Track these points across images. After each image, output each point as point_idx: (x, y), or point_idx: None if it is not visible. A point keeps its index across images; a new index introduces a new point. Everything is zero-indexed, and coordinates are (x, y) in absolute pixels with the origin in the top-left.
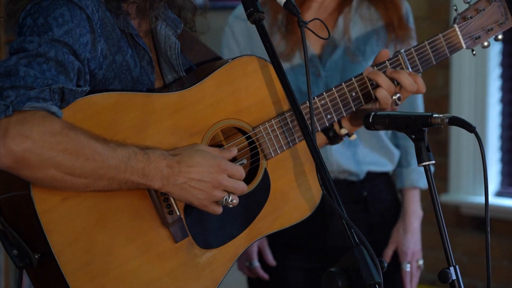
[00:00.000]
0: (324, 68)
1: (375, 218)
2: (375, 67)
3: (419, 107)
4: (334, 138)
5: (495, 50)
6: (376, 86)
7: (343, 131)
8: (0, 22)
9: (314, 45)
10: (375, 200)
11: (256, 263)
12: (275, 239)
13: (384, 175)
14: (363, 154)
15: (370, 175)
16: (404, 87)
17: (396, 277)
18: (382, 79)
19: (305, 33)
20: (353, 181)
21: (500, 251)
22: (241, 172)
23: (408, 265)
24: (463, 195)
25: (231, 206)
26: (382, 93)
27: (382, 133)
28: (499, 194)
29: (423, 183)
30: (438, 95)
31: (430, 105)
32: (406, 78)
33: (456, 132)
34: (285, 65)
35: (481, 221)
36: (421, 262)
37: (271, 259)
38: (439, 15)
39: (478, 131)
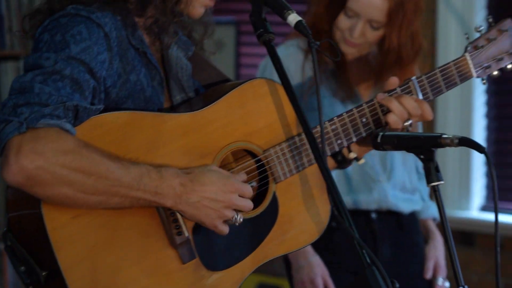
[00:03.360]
0: None
1: (414, 248)
2: (386, 94)
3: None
4: (342, 162)
5: None
6: (387, 112)
7: (352, 155)
8: (15, 36)
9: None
10: (414, 231)
11: None
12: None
13: (414, 213)
14: (409, 192)
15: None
16: (408, 111)
17: None
18: (394, 105)
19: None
20: (397, 212)
21: (485, 265)
22: (250, 190)
23: (442, 280)
24: (448, 209)
25: (237, 224)
26: (392, 118)
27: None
28: (484, 208)
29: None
30: None
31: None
32: (409, 102)
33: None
34: (339, 104)
35: (466, 235)
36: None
37: None
38: (426, 32)
39: (463, 147)
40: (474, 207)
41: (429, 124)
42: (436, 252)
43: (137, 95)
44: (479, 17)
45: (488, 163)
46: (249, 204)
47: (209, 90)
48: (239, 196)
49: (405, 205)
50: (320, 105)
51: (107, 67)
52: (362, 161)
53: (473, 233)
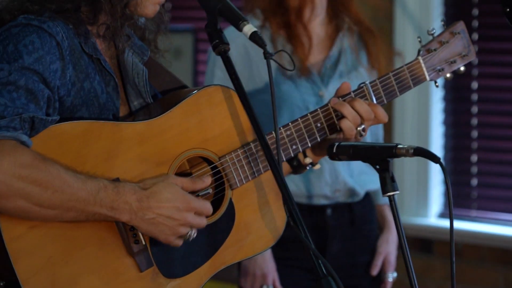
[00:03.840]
0: (327, 88)
1: (362, 240)
2: (340, 99)
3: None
4: (298, 167)
5: None
6: (341, 117)
7: (308, 160)
8: None
9: (315, 65)
10: (365, 222)
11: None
12: (279, 261)
13: (368, 194)
14: (358, 172)
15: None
16: (360, 115)
17: None
18: (348, 110)
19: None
20: (350, 203)
21: (444, 272)
22: (208, 208)
23: (392, 275)
24: (407, 216)
25: (190, 240)
26: (346, 124)
27: None
28: (442, 215)
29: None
30: None
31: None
32: (361, 106)
33: None
34: (290, 84)
35: (424, 242)
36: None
37: (278, 285)
38: (383, 38)
39: None
40: (432, 214)
41: (387, 132)
42: (388, 247)
43: (91, 102)
44: (436, 22)
45: (444, 173)
46: (203, 221)
47: (166, 96)
48: (196, 214)
49: (359, 185)
50: (275, 113)
51: (60, 76)
52: (317, 166)
53: (431, 240)
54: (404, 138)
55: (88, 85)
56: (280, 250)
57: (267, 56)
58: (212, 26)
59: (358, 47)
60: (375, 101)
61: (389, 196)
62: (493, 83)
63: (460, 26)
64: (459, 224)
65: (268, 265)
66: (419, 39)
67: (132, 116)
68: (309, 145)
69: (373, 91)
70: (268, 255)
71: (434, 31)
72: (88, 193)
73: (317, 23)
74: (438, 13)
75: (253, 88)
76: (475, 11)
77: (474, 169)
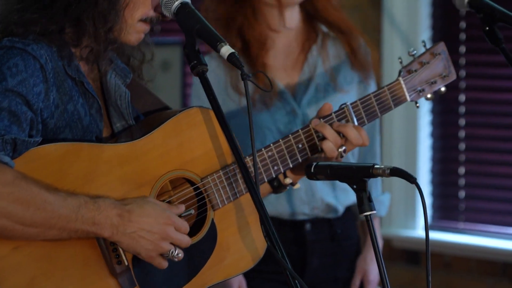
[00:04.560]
0: (300, 106)
1: (342, 255)
2: (321, 119)
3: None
4: (278, 187)
5: None
6: (323, 138)
7: (288, 180)
8: None
9: (287, 85)
10: (346, 237)
11: None
12: (254, 274)
13: (349, 209)
14: (340, 188)
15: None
16: (349, 141)
17: None
18: (329, 132)
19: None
20: (330, 218)
21: (432, 284)
22: (186, 226)
23: None
24: (395, 228)
25: (176, 260)
26: (328, 146)
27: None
28: (430, 227)
29: (384, 212)
30: None
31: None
32: (351, 131)
33: None
34: (262, 109)
35: (412, 254)
36: None
37: None
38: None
39: (409, 165)
40: (420, 226)
41: None
42: (365, 265)
43: (75, 124)
44: (424, 37)
45: (420, 193)
46: (185, 239)
47: (148, 118)
48: (175, 230)
49: (338, 201)
50: (252, 136)
51: (43, 98)
52: (297, 186)
53: (418, 252)
54: (392, 150)
55: (71, 107)
56: (259, 263)
57: (244, 77)
58: (190, 47)
59: (339, 55)
60: (356, 122)
61: (366, 216)
62: (480, 96)
63: (441, 47)
64: (447, 236)
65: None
66: (399, 60)
67: (115, 138)
68: (291, 166)
69: (354, 112)
70: None
71: (415, 52)
72: (69, 209)
73: (284, 44)
74: (426, 26)
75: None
76: (463, 24)
77: (462, 181)
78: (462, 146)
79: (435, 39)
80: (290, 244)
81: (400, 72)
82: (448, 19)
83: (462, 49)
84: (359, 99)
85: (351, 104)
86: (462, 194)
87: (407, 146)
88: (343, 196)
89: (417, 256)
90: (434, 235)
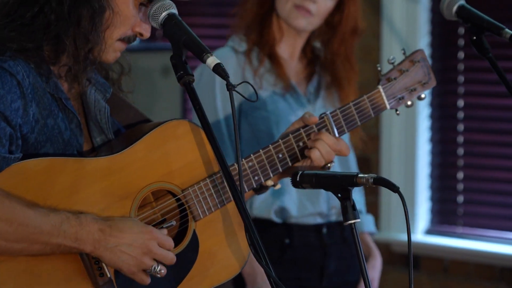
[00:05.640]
0: (314, 108)
1: (352, 259)
2: (301, 129)
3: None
4: (260, 189)
5: None
6: (303, 147)
7: (269, 182)
8: None
9: (299, 86)
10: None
11: None
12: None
13: None
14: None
15: None
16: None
17: None
18: (319, 143)
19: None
20: (341, 222)
21: None
22: (170, 243)
23: None
24: (394, 233)
25: (158, 276)
26: (315, 154)
27: None
28: (429, 232)
29: (374, 228)
30: (369, 135)
31: (362, 145)
32: (328, 138)
33: (387, 172)
34: (284, 103)
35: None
36: None
37: None
38: (370, 56)
39: (408, 170)
40: (419, 231)
41: (374, 150)
42: (373, 272)
43: (55, 138)
44: (423, 42)
45: (402, 202)
46: (169, 255)
47: (129, 131)
48: (159, 245)
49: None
50: (238, 145)
51: (21, 114)
52: (278, 186)
53: (418, 256)
54: (391, 155)
55: (51, 121)
56: (280, 270)
57: (229, 88)
58: (177, 57)
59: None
60: (336, 131)
61: (350, 224)
62: (479, 101)
63: (420, 54)
64: (445, 241)
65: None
66: (379, 68)
67: (95, 152)
68: (271, 175)
69: (334, 121)
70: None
71: (394, 60)
72: (52, 225)
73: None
74: (425, 31)
75: (250, 106)
76: (461, 30)
77: (460, 186)
78: (460, 151)
79: (434, 45)
80: (310, 249)
81: (379, 80)
82: (447, 25)
83: (461, 54)
84: (339, 108)
85: (330, 113)
86: (460, 198)
87: (406, 151)
88: (357, 197)
89: (416, 260)
90: (433, 239)
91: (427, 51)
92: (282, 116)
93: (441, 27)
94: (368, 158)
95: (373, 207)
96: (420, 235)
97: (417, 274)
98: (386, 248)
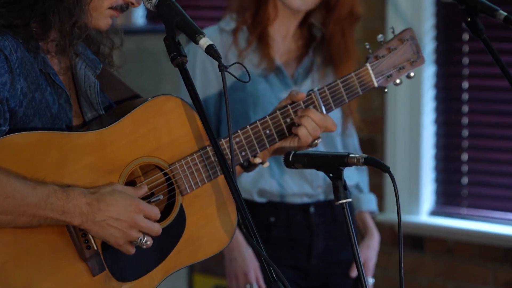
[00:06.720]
0: (300, 90)
1: (344, 237)
2: (289, 105)
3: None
4: (248, 167)
5: (429, 72)
6: (291, 123)
7: (257, 160)
8: None
9: (288, 69)
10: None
11: (255, 286)
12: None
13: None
14: None
15: None
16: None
17: None
18: (306, 120)
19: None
20: (331, 200)
21: (434, 269)
22: (156, 213)
23: (372, 280)
24: None
25: (144, 247)
26: (303, 132)
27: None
28: (434, 213)
29: (376, 207)
30: (374, 117)
31: (367, 127)
32: (315, 115)
33: (392, 153)
34: (265, 84)
35: (416, 239)
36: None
37: (262, 283)
38: (374, 38)
39: (412, 152)
40: (424, 212)
41: (380, 131)
42: (368, 252)
43: (43, 112)
44: (428, 24)
45: (393, 182)
46: (155, 227)
47: (118, 106)
48: (145, 217)
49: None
50: (229, 123)
51: (9, 88)
52: (267, 164)
53: (422, 237)
54: (396, 137)
55: (39, 95)
56: (266, 249)
57: (221, 68)
58: (170, 38)
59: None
60: (323, 108)
61: (341, 204)
62: (483, 83)
63: (409, 33)
64: (450, 222)
65: (248, 264)
66: (367, 46)
67: (85, 126)
68: (258, 151)
69: (321, 98)
70: (247, 254)
71: (383, 38)
72: (39, 198)
73: (289, 34)
74: (430, 13)
75: (229, 87)
76: None
77: (465, 168)
78: (465, 132)
79: (439, 27)
80: (296, 228)
81: (367, 58)
82: (452, 6)
83: (466, 36)
84: (326, 85)
85: (318, 90)
86: (465, 180)
87: (410, 132)
88: (361, 176)
89: (420, 242)
90: (437, 220)
91: (432, 33)
92: (260, 97)
93: (445, 9)
94: (373, 140)
95: (378, 189)
96: (424, 216)
97: (421, 255)
98: (390, 230)
